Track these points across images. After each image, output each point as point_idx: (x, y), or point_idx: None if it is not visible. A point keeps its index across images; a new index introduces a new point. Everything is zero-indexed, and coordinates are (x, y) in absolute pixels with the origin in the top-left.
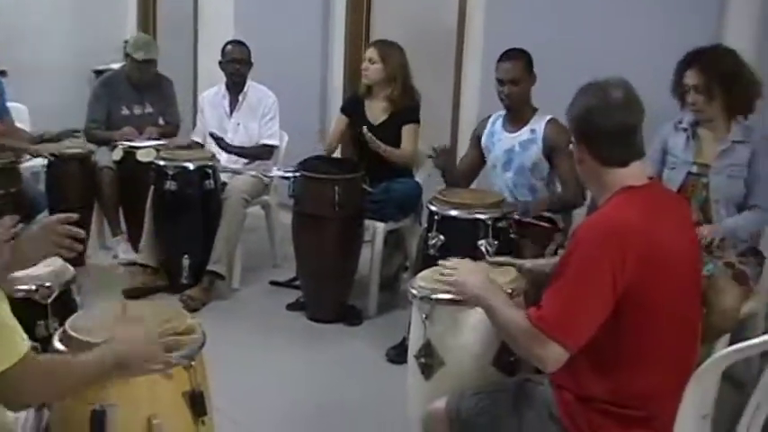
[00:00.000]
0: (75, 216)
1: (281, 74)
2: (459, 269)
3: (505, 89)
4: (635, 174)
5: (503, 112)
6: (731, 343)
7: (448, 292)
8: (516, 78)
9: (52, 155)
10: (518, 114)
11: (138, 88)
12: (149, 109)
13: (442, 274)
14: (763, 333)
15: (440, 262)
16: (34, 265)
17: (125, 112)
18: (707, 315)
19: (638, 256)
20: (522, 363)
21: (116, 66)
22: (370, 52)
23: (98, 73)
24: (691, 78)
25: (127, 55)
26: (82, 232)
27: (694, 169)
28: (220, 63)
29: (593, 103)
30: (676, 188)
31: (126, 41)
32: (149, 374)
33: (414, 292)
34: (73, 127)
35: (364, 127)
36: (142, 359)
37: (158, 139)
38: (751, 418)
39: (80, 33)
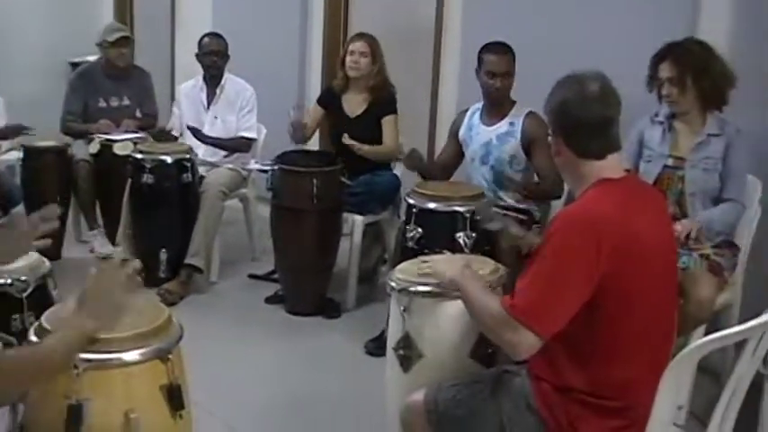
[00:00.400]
0: (57, 212)
1: (260, 67)
2: (437, 260)
3: (497, 81)
4: (612, 166)
5: (480, 105)
6: (707, 334)
7: (426, 284)
8: (509, 71)
9: (25, 147)
10: (497, 107)
11: (115, 80)
12: (126, 101)
13: (421, 269)
14: (739, 324)
15: (420, 258)
16: (8, 263)
17: (102, 104)
18: (683, 306)
19: (613, 248)
20: (500, 354)
21: (92, 58)
22: (360, 46)
23: (74, 65)
24: (665, 71)
25: (100, 44)
26: (56, 224)
27: (670, 162)
28: (197, 56)
29: (569, 95)
30: (652, 181)
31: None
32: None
33: (392, 284)
34: (48, 119)
35: (345, 135)
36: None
37: (136, 132)
38: (725, 408)
39: (56, 26)
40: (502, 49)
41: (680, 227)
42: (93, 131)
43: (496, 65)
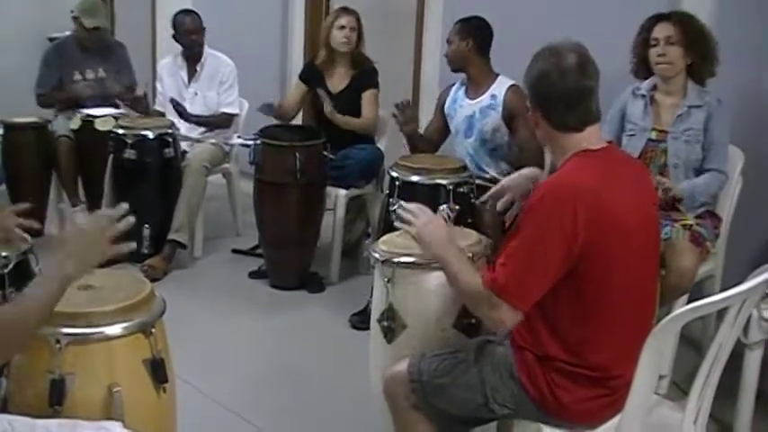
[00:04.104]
0: (27, 206)
1: (241, 41)
2: (421, 219)
3: (447, 50)
4: (591, 138)
5: (464, 79)
6: (689, 304)
7: (410, 254)
8: (454, 38)
9: (4, 123)
10: (480, 80)
11: (90, 53)
12: (102, 74)
13: (400, 216)
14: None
15: (400, 203)
16: None
17: (77, 77)
18: (665, 276)
19: (590, 218)
20: (484, 325)
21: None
22: (351, 21)
23: (53, 41)
24: (663, 31)
25: (75, 18)
26: (36, 224)
27: (653, 136)
28: (174, 36)
29: (546, 67)
30: (637, 155)
31: (72, 11)
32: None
33: (376, 255)
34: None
35: (320, 89)
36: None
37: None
38: (706, 376)
39: (34, 1)
40: (460, 20)
41: (668, 182)
42: (72, 96)
43: (449, 33)
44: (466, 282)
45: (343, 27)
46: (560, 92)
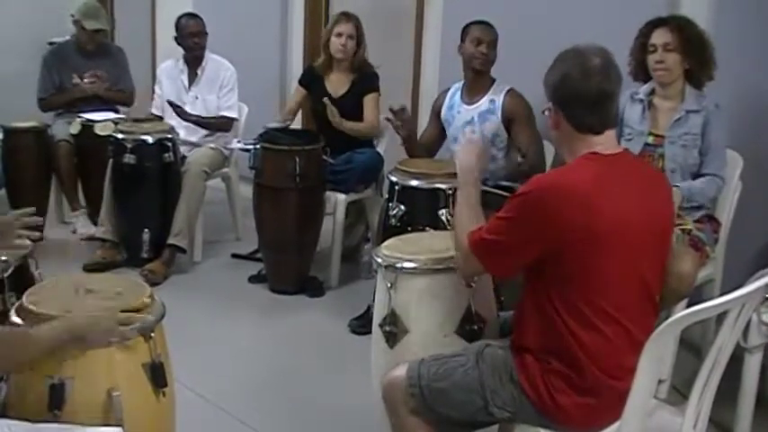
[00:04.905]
0: (32, 210)
1: (241, 46)
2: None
3: (483, 47)
4: (606, 142)
5: (459, 84)
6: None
7: (413, 260)
8: (494, 41)
9: (4, 128)
10: (478, 84)
11: (89, 57)
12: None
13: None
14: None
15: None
16: None
17: (76, 80)
18: (664, 280)
19: (573, 218)
20: (485, 330)
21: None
22: (349, 28)
23: (54, 45)
24: (660, 37)
25: (76, 21)
26: (40, 220)
27: (650, 140)
28: (176, 39)
29: (571, 68)
30: None
31: (72, 14)
32: (105, 347)
33: (378, 260)
34: (28, 99)
35: (325, 98)
36: (98, 332)
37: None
38: (706, 380)
39: (35, 5)
40: (487, 23)
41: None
42: (76, 95)
43: (483, 32)
44: (460, 224)
45: (340, 35)
46: (584, 93)
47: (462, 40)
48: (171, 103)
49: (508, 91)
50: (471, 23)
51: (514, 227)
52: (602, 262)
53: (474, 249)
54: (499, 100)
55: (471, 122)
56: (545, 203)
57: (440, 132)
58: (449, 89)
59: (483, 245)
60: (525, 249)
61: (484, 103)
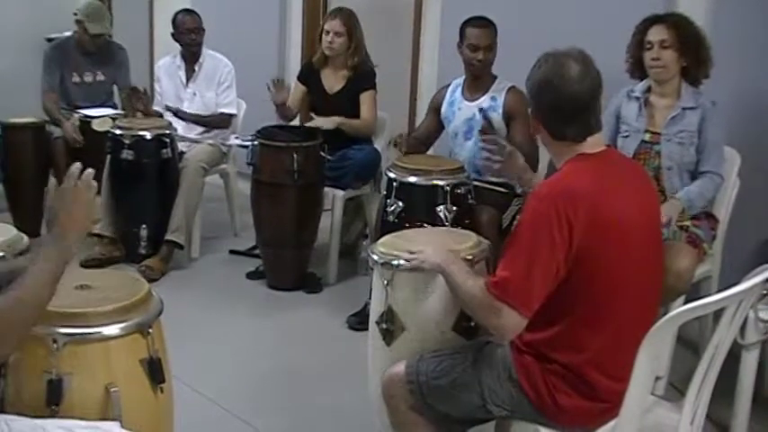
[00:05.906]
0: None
1: (239, 42)
2: (420, 242)
3: (480, 54)
4: (591, 144)
5: (460, 80)
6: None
7: (410, 260)
8: (491, 44)
9: (2, 124)
10: (479, 81)
11: (89, 55)
12: (101, 77)
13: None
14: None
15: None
16: None
17: (75, 78)
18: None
19: (586, 220)
20: (482, 328)
21: (70, 34)
22: (335, 25)
23: (52, 41)
24: (657, 34)
25: (79, 21)
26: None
27: (647, 138)
28: (173, 35)
29: (549, 76)
30: (630, 156)
31: (75, 12)
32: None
33: (375, 258)
34: (25, 95)
35: (311, 113)
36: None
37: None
38: (703, 376)
39: (33, 1)
40: (484, 23)
41: (664, 218)
42: (64, 126)
43: (479, 38)
44: (469, 291)
45: (327, 32)
46: (561, 105)
47: (461, 39)
48: (169, 108)
49: (510, 88)
50: (469, 23)
51: (533, 245)
52: (609, 262)
53: (497, 293)
54: (501, 97)
55: (472, 119)
56: (556, 209)
57: (436, 127)
58: (449, 85)
59: (504, 284)
60: (548, 267)
61: (485, 99)
